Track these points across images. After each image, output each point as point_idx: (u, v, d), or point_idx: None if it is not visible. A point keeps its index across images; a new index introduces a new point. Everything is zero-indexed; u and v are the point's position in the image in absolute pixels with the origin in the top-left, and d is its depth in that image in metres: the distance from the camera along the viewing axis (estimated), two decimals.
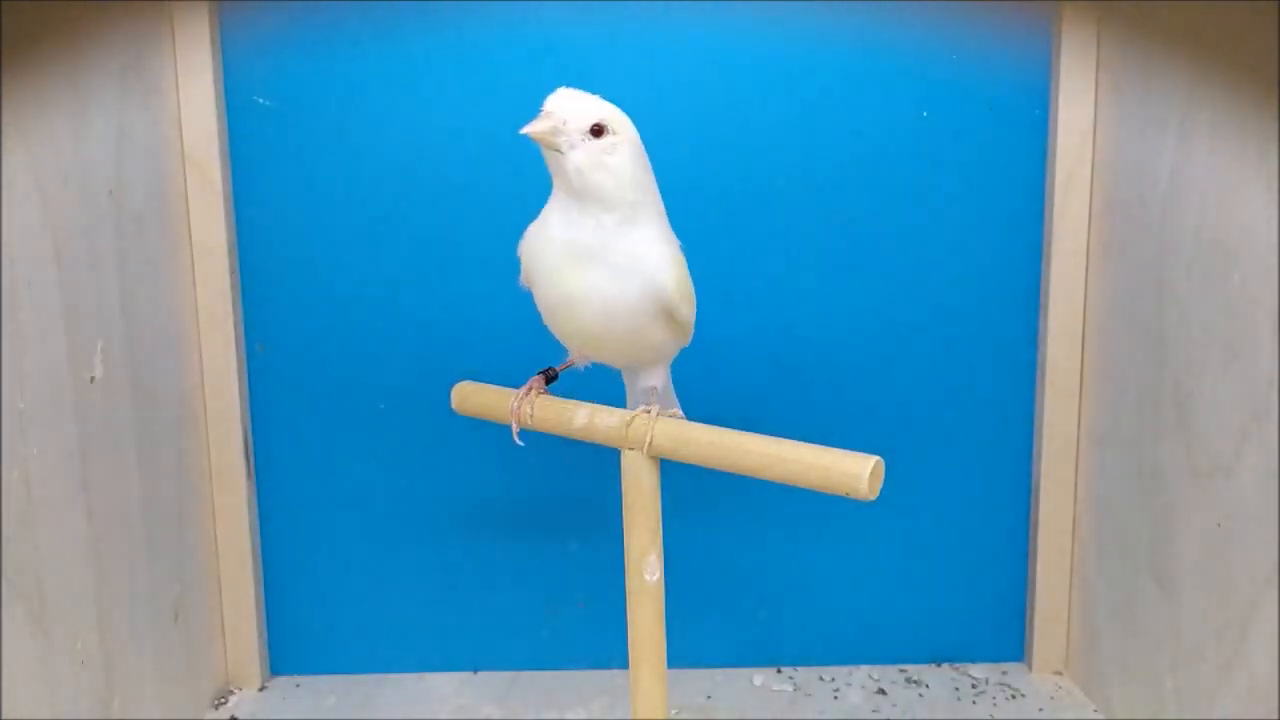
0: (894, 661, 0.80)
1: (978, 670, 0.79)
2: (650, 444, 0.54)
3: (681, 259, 0.55)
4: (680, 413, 0.56)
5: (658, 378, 0.58)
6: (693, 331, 0.59)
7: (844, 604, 0.80)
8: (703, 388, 0.68)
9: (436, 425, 0.76)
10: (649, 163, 0.54)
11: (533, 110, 0.74)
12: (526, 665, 0.80)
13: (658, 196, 0.55)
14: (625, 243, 0.52)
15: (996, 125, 0.73)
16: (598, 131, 0.51)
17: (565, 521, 0.78)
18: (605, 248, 0.52)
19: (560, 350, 0.64)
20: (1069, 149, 0.71)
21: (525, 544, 0.78)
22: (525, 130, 0.51)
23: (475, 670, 0.80)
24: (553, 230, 0.53)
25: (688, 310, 0.55)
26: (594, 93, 0.73)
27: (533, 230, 0.55)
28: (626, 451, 0.55)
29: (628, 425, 0.55)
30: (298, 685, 0.78)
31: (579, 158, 0.51)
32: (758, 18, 0.71)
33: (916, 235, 0.74)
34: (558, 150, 0.51)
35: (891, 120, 0.73)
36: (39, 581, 0.53)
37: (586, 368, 0.63)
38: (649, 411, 0.55)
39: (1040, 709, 0.73)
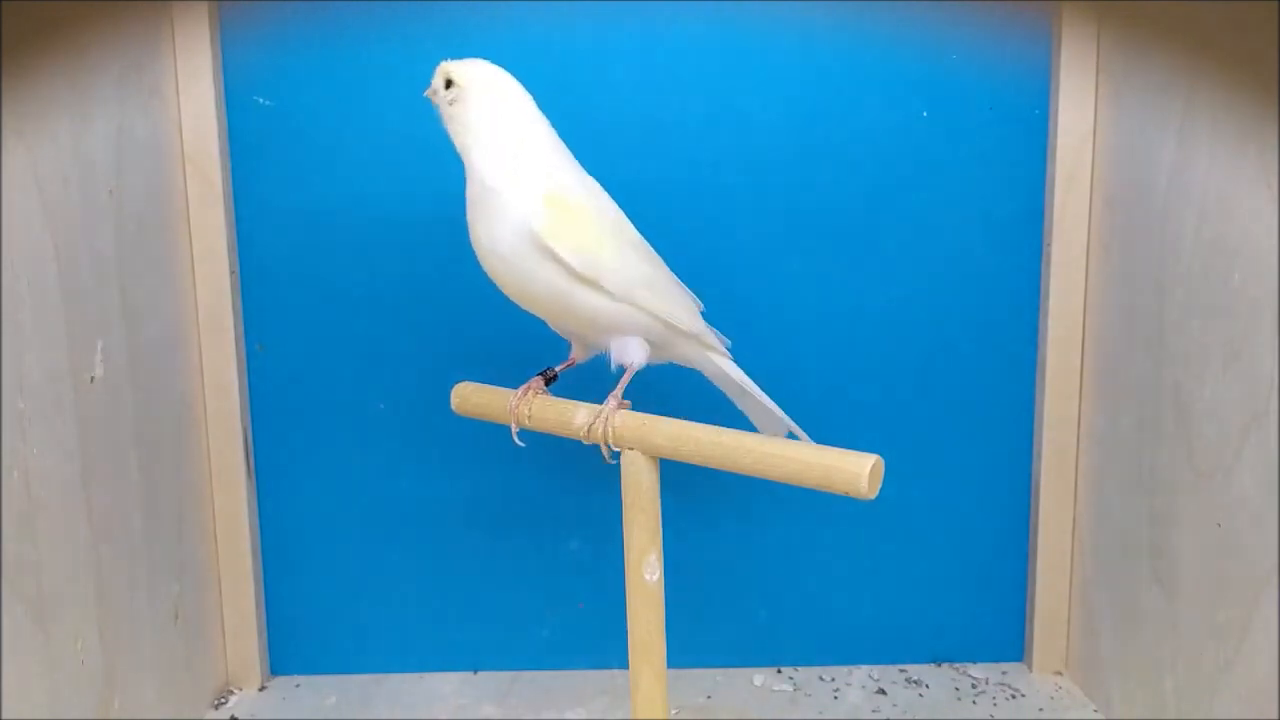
0: (894, 661, 0.80)
1: (978, 670, 0.79)
2: (609, 439, 0.55)
3: (571, 200, 0.55)
4: (628, 403, 0.57)
5: (628, 354, 0.58)
6: (646, 299, 0.57)
7: (844, 604, 0.80)
8: (703, 387, 0.68)
9: (436, 425, 0.76)
10: (530, 117, 0.57)
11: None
12: (526, 665, 0.80)
13: (547, 148, 0.57)
14: (501, 186, 0.54)
15: (996, 125, 0.73)
16: (448, 85, 0.56)
17: (565, 521, 0.78)
18: (486, 195, 0.55)
19: (561, 352, 0.64)
20: (1069, 149, 0.71)
21: (525, 544, 0.78)
22: (426, 93, 0.58)
23: (475, 670, 0.80)
24: (467, 193, 0.57)
25: (574, 256, 0.54)
26: (593, 92, 0.73)
27: None
28: (627, 451, 0.55)
29: (586, 432, 0.56)
30: (298, 685, 0.78)
31: (441, 111, 0.57)
32: (758, 18, 0.71)
33: (917, 235, 0.74)
34: (436, 108, 0.57)
35: (891, 120, 0.73)
36: (39, 581, 0.53)
37: (589, 362, 0.63)
38: (608, 407, 0.56)
39: (1040, 709, 0.73)
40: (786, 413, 0.64)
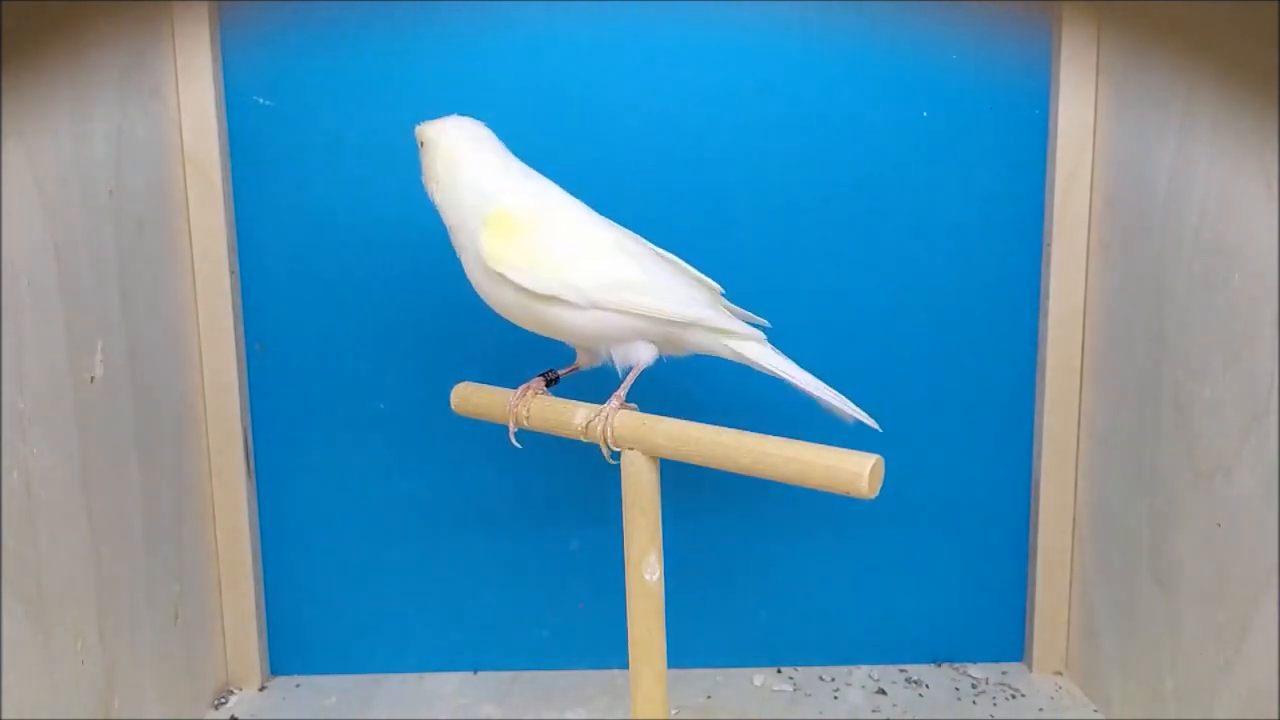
0: (894, 661, 0.80)
1: (978, 670, 0.79)
2: (608, 439, 0.55)
3: (513, 217, 0.56)
4: (632, 406, 0.56)
5: (632, 356, 0.59)
6: (616, 300, 0.57)
7: (844, 604, 0.80)
8: (703, 387, 0.68)
9: (436, 425, 0.76)
10: (486, 149, 0.58)
11: (530, 109, 0.74)
12: (526, 665, 0.80)
13: (515, 174, 0.58)
14: (456, 224, 0.58)
15: (996, 125, 0.73)
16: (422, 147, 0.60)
17: (565, 521, 0.78)
18: (455, 238, 0.58)
19: (561, 352, 0.64)
20: (1069, 149, 0.71)
21: (525, 544, 0.78)
22: None
23: (475, 670, 0.80)
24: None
25: (521, 275, 0.55)
26: (593, 91, 0.73)
27: None
28: (627, 451, 0.55)
29: (585, 428, 0.56)
30: (298, 685, 0.78)
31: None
32: (757, 18, 0.71)
33: (917, 235, 0.74)
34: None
35: (891, 120, 0.73)
36: (39, 581, 0.53)
37: (592, 369, 0.63)
38: (610, 406, 0.56)
39: (1040, 709, 0.73)
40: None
